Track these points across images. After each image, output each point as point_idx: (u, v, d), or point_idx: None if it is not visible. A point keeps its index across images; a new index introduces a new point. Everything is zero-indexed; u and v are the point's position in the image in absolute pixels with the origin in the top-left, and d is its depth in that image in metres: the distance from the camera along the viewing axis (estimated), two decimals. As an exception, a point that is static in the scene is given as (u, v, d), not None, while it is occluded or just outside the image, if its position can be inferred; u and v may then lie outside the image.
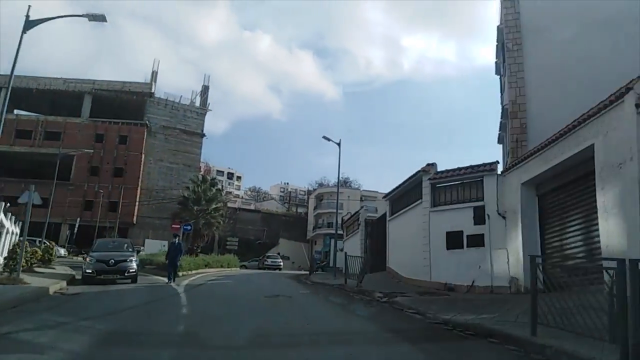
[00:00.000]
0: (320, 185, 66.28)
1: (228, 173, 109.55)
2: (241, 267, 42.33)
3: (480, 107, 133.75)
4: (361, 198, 58.59)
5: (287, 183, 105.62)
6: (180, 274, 18.40)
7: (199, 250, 30.92)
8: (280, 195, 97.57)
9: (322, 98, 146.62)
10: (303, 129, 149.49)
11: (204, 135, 57.07)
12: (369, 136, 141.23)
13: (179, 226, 22.39)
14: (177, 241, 16.86)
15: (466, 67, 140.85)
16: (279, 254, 56.34)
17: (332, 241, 34.41)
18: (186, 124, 55.99)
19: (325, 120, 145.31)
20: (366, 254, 20.63)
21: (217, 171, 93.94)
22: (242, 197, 78.81)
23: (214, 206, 29.85)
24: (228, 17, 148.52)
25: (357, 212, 18.21)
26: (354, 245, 26.31)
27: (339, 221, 34.48)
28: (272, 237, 59.56)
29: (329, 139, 22.57)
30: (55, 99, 54.19)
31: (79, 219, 44.76)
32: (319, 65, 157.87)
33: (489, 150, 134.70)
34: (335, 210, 58.08)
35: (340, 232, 52.29)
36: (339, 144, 22.77)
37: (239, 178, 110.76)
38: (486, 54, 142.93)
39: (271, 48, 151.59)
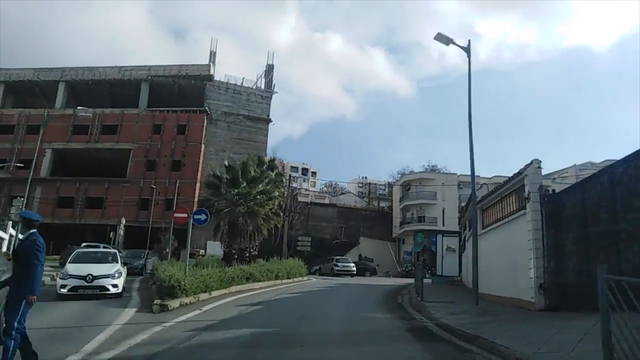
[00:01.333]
0: (403, 175, 56.69)
1: (302, 169, 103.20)
2: (315, 272, 34.24)
3: (570, 92, 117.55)
4: (459, 185, 48.27)
5: (365, 177, 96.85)
6: (179, 302, 10.72)
7: (251, 253, 23.41)
8: (359, 192, 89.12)
9: (396, 95, 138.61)
10: (378, 127, 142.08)
11: (270, 120, 50.14)
12: (447, 130, 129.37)
13: (184, 215, 13.91)
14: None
15: (551, 50, 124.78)
16: (361, 256, 47.79)
17: (440, 238, 25.16)
18: (250, 109, 49.39)
19: (401, 117, 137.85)
20: (547, 257, 11.04)
21: (291, 167, 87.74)
22: (315, 191, 71.06)
23: (260, 188, 20.49)
24: (298, 21, 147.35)
25: (515, 176, 9.66)
26: (503, 243, 16.33)
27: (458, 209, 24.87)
28: (351, 235, 51.14)
29: (449, 40, 13.40)
30: (112, 90, 50.29)
31: (123, 220, 39.29)
32: (391, 61, 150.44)
33: (581, 138, 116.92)
34: (427, 201, 48.59)
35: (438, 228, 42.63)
36: (467, 49, 13.57)
37: (314, 174, 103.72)
38: (576, 32, 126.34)
39: (342, 48, 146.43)
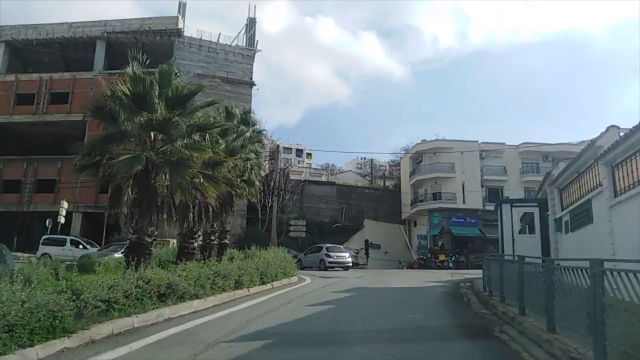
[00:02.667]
0: (406, 151, 48.26)
1: (297, 150, 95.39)
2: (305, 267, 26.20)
3: (566, 74, 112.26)
4: (481, 155, 40.55)
5: (364, 158, 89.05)
6: None
7: (220, 243, 15.73)
8: (359, 173, 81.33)
9: (391, 79, 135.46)
10: (373, 112, 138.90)
11: (253, 84, 42.02)
12: (443, 114, 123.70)
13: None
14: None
15: (546, 31, 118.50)
16: (367, 241, 40.10)
17: (508, 208, 17.44)
18: (229, 71, 41.17)
19: (396, 101, 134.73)
20: None
21: (284, 148, 79.78)
22: (310, 170, 63.07)
23: (223, 144, 13.14)
24: (288, 7, 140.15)
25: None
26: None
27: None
28: (353, 217, 43.46)
29: None
30: (65, 53, 41.94)
31: (65, 204, 30.90)
32: (384, 45, 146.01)
33: (579, 121, 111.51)
34: (443, 174, 40.82)
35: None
36: None
37: (309, 155, 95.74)
38: (574, 12, 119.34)
39: (334, 33, 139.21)
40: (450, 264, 33.61)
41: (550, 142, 41.47)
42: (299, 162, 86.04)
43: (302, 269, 23.55)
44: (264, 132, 32.56)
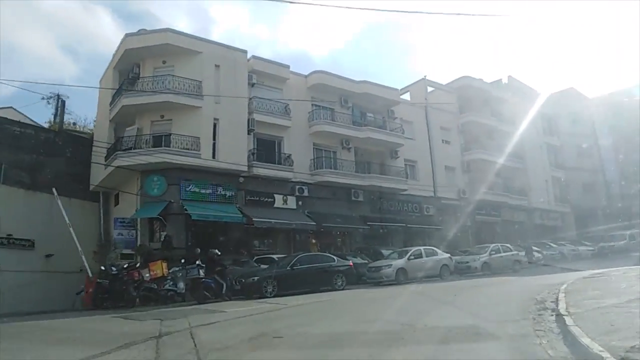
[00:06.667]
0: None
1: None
2: None
3: None
4: (250, 78, 22.22)
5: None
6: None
7: None
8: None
9: None
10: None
11: None
12: None
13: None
14: None
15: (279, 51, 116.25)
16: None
17: None
18: None
19: None
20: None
21: None
22: None
23: None
24: None
25: None
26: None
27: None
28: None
29: None
30: None
31: None
32: (122, 28, 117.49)
33: None
34: (181, 100, 19.75)
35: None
36: None
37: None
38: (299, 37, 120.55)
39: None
40: (180, 287, 13.95)
41: (353, 78, 26.50)
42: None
43: None
44: None
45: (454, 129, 32.48)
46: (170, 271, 14.30)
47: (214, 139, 21.15)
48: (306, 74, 25.38)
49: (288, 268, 14.81)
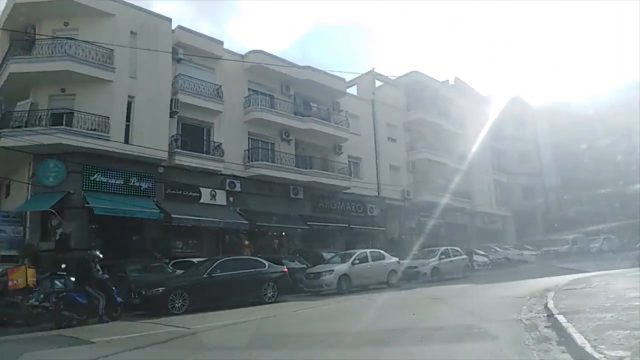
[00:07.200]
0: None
1: None
2: None
3: None
4: (175, 52, 19.01)
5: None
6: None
7: None
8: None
9: None
10: None
11: None
12: None
13: None
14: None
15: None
16: None
17: None
18: None
19: None
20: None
21: None
22: None
23: None
24: None
25: None
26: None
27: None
28: None
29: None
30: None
31: None
32: None
33: None
34: (87, 71, 15.47)
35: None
36: None
37: None
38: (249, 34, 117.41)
39: None
40: (54, 301, 10.53)
41: (296, 64, 23.94)
42: None
43: None
44: None
45: (400, 126, 30.84)
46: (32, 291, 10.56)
47: (128, 120, 17.82)
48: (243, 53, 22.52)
49: (205, 276, 11.88)
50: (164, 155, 18.24)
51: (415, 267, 18.60)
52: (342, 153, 25.75)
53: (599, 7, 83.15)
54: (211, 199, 19.76)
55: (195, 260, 15.53)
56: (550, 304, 7.35)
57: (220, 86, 20.73)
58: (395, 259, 17.60)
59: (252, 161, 21.34)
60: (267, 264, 13.30)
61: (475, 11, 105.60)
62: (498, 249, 27.50)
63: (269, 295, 12.71)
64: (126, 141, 17.53)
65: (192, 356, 6.19)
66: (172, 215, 17.18)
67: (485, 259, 24.17)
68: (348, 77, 28.58)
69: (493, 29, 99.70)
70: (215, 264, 12.28)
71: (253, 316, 9.80)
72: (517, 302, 8.83)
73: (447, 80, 38.54)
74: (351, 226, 24.46)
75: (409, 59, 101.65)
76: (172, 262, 15.99)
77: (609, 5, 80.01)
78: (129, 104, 17.87)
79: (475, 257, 23.67)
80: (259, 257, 14.58)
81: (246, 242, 21.42)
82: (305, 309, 10.94)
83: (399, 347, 5.86)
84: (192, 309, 11.09)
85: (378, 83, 31.55)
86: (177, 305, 11.02)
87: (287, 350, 6.11)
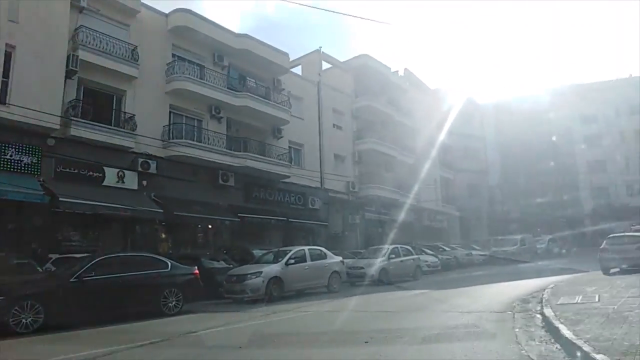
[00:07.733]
0: None
1: None
2: None
3: None
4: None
5: None
6: None
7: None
8: None
9: None
10: None
11: None
12: None
13: None
14: None
15: None
16: None
17: None
18: None
19: None
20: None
21: None
22: None
23: None
24: None
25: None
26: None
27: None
28: None
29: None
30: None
31: None
32: None
33: None
34: None
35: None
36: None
37: None
38: None
39: None
40: None
41: (232, 30, 20.65)
42: None
43: None
44: None
45: (347, 113, 28.40)
46: None
47: (6, 75, 13.87)
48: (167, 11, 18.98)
49: (73, 280, 8.56)
50: (56, 123, 14.43)
51: (361, 267, 16.07)
52: (282, 137, 22.81)
53: (541, 10, 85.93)
54: (118, 182, 16.13)
55: (79, 256, 11.99)
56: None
57: (136, 47, 17.10)
58: (339, 259, 14.95)
59: (173, 139, 17.89)
60: (169, 264, 10.06)
61: (426, 4, 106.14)
62: (446, 248, 25.77)
63: (170, 305, 9.56)
64: (3, 102, 13.63)
65: None
66: (60, 199, 13.49)
67: (435, 259, 22.18)
68: (293, 55, 25.63)
69: (443, 24, 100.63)
70: (90, 264, 8.91)
71: (132, 332, 6.61)
72: (500, 318, 6.36)
73: (397, 71, 36.74)
74: (290, 220, 21.60)
75: (358, 48, 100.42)
76: (53, 259, 12.36)
77: (551, 8, 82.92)
78: (9, 55, 13.91)
79: (425, 257, 21.63)
80: (160, 256, 11.22)
81: (163, 236, 18.01)
82: (212, 334, 7.71)
83: None
84: (51, 327, 7.74)
85: (325, 65, 28.90)
86: (23, 322, 7.66)
87: None
